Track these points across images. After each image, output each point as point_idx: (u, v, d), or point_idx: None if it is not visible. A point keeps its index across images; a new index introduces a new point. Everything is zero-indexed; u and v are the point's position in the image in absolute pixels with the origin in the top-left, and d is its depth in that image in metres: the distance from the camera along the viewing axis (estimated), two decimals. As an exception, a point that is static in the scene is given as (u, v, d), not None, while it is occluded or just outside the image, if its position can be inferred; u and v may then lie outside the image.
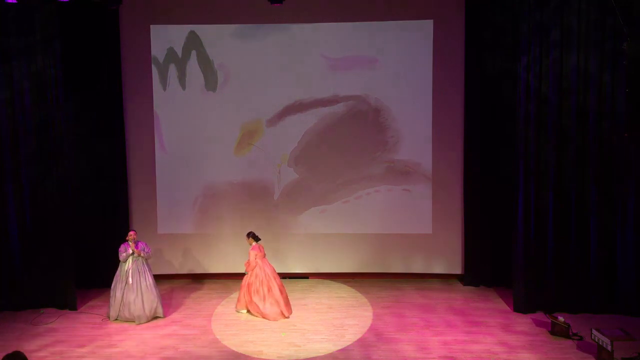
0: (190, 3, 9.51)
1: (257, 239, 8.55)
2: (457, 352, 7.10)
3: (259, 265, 8.37)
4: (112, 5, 8.78)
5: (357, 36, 9.54)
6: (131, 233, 8.20)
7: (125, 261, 8.08)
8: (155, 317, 8.17)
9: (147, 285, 8.08)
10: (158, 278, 9.72)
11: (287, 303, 8.36)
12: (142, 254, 8.11)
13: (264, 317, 8.18)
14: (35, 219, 8.47)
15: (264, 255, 8.51)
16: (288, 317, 8.22)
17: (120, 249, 8.14)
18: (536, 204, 8.17)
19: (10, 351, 4.44)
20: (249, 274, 8.41)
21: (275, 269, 8.54)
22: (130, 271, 8.03)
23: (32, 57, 8.30)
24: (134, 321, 8.01)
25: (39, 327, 8.01)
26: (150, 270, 8.25)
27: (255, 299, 8.25)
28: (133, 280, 8.00)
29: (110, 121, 9.49)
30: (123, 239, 8.39)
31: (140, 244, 8.15)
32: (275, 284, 8.30)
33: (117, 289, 8.09)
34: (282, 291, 8.35)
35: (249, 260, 8.43)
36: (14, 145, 8.39)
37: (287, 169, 9.83)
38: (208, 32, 9.61)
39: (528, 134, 8.14)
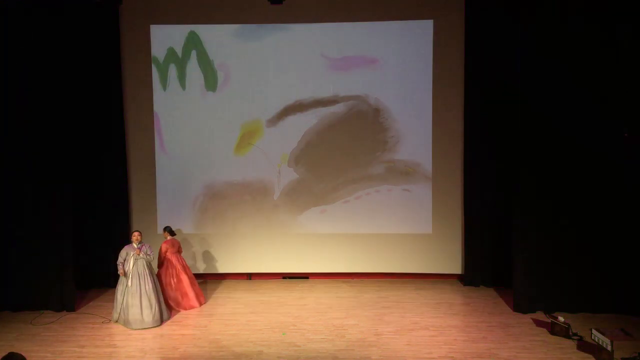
0: (190, 3, 9.52)
1: (172, 233, 8.76)
2: (457, 352, 7.10)
3: (168, 260, 8.61)
4: (112, 5, 8.79)
5: (357, 36, 9.54)
6: (135, 234, 8.05)
7: (122, 263, 7.95)
8: (155, 325, 7.91)
9: (146, 290, 7.89)
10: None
11: (199, 295, 8.78)
12: (141, 256, 7.93)
13: (177, 308, 8.54)
14: (34, 218, 8.44)
15: (177, 251, 8.75)
16: (199, 306, 8.64)
17: (121, 252, 8.02)
18: (536, 204, 8.17)
19: (9, 351, 4.43)
20: (160, 268, 8.67)
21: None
22: (131, 274, 7.90)
23: (33, 56, 8.31)
24: (131, 327, 7.84)
25: (39, 327, 8.01)
26: (152, 273, 8.06)
27: (167, 290, 8.50)
28: (133, 283, 7.87)
29: (110, 121, 9.49)
30: (123, 239, 8.37)
31: (144, 247, 8.01)
32: (185, 276, 8.59)
33: (119, 291, 8.00)
34: (193, 284, 8.71)
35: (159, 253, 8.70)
36: (13, 142, 8.35)
37: (287, 169, 9.83)
38: (208, 32, 9.61)
39: (528, 134, 8.14)
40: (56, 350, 7.26)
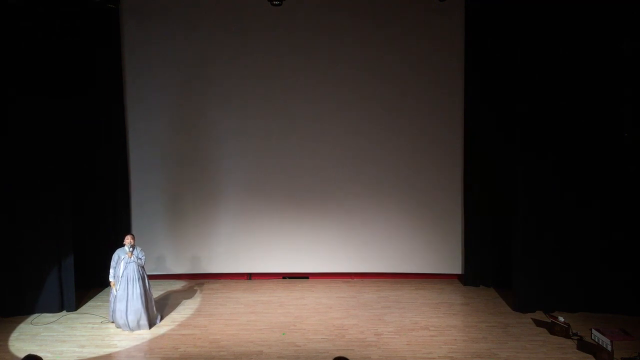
0: (190, 3, 9.50)
1: None
2: (457, 352, 7.10)
3: None
4: (111, 4, 8.78)
5: (357, 36, 9.53)
6: (128, 237, 7.92)
7: (114, 268, 7.89)
8: (141, 329, 7.82)
9: (134, 294, 7.78)
10: (159, 278, 9.78)
11: None
12: (132, 259, 7.79)
13: None
14: (34, 218, 8.41)
15: None
16: None
17: (113, 256, 7.94)
18: (536, 204, 8.17)
19: (9, 351, 4.42)
20: None
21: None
22: (120, 277, 7.82)
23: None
24: (120, 328, 7.82)
25: (39, 327, 8.01)
26: (142, 278, 7.90)
27: None
28: (121, 287, 7.79)
29: (110, 121, 9.48)
30: (124, 239, 8.33)
31: (135, 251, 7.87)
32: None
33: (111, 293, 7.96)
34: None
35: None
36: (13, 141, 8.31)
37: (288, 170, 9.81)
38: (208, 32, 9.58)
39: (529, 134, 8.14)
40: (56, 350, 7.26)
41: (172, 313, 8.50)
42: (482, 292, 9.32)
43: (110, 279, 7.91)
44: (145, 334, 7.73)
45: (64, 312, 8.52)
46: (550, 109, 8.08)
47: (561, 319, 7.55)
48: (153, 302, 8.12)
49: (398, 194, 9.75)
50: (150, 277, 8.97)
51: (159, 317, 8.18)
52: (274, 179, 9.81)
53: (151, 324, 7.95)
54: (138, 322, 7.80)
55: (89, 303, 8.96)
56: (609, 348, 6.63)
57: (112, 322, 8.00)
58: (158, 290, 9.38)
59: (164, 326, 8.02)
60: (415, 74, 9.53)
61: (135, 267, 7.84)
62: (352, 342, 7.42)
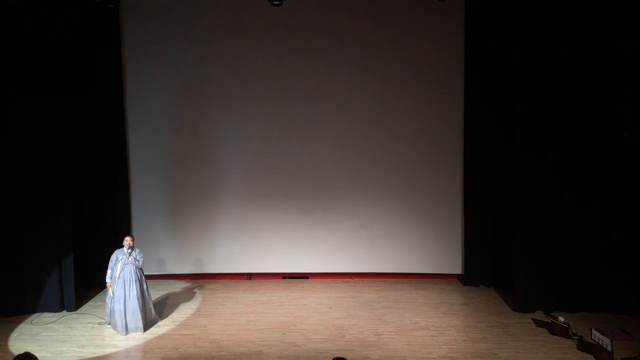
0: (190, 3, 9.50)
1: None
2: (457, 352, 7.10)
3: None
4: (111, 4, 8.79)
5: (357, 36, 9.53)
6: (127, 238, 7.88)
7: (112, 269, 7.85)
8: (139, 331, 7.76)
9: (131, 296, 7.72)
10: (159, 279, 9.78)
11: None
12: (130, 261, 7.75)
13: None
14: (34, 218, 8.41)
15: None
16: None
17: (111, 257, 7.90)
18: (536, 204, 8.17)
19: (9, 351, 4.42)
20: None
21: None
22: (117, 278, 7.76)
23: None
24: (117, 331, 7.76)
25: (39, 327, 8.01)
26: (140, 280, 7.83)
27: None
28: (118, 288, 7.74)
29: (110, 121, 9.47)
30: (123, 240, 8.36)
31: (134, 252, 7.84)
32: None
33: (108, 294, 7.92)
34: None
35: None
36: (13, 141, 8.31)
37: (288, 170, 9.81)
38: (208, 32, 9.58)
39: (528, 134, 8.14)
40: (56, 350, 7.26)
41: (172, 313, 8.51)
42: (482, 292, 9.32)
43: (107, 280, 7.88)
44: (145, 334, 7.72)
45: (64, 312, 8.54)
46: (550, 109, 8.08)
47: (561, 319, 7.55)
48: (151, 305, 8.08)
49: (398, 194, 9.75)
50: (150, 277, 9.03)
51: (158, 320, 8.16)
52: (274, 179, 9.81)
53: (147, 326, 7.90)
54: (135, 323, 7.77)
55: (89, 303, 8.97)
56: (609, 348, 6.63)
57: (109, 323, 7.97)
58: (158, 290, 9.39)
59: (164, 326, 8.02)
60: (415, 74, 9.53)
61: (132, 269, 7.80)
62: (352, 342, 7.42)
